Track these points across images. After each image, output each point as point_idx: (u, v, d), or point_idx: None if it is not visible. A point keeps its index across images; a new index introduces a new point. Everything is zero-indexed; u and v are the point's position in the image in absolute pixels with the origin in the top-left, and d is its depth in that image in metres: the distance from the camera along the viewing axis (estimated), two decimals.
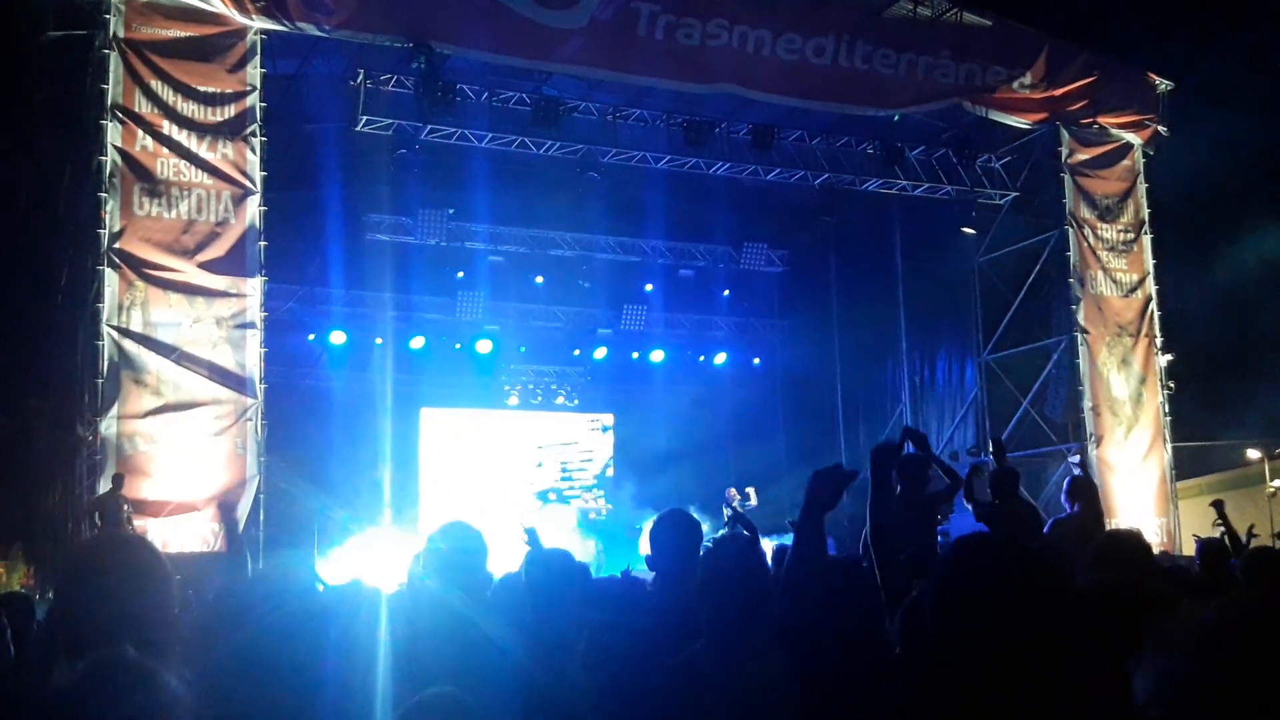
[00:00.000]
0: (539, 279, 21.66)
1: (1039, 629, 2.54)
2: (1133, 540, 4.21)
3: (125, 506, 12.23)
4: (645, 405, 21.82)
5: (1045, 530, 7.95)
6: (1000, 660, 2.55)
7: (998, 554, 2.77)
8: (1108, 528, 16.29)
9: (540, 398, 22.67)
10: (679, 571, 4.08)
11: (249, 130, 13.71)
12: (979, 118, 17.76)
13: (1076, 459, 17.59)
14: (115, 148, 13.00)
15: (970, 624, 2.62)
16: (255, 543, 13.01)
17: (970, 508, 8.36)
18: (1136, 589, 3.20)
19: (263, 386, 13.50)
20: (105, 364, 12.66)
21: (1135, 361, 18.09)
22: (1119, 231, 18.45)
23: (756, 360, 23.76)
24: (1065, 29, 18.17)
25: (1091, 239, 18.17)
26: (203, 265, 13.27)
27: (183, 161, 13.32)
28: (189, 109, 13.44)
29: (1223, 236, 18.32)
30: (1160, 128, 18.46)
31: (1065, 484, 8.73)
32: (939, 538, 7.55)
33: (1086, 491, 8.33)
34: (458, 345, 21.41)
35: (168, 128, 13.29)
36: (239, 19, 13.61)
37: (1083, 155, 18.36)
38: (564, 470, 22.00)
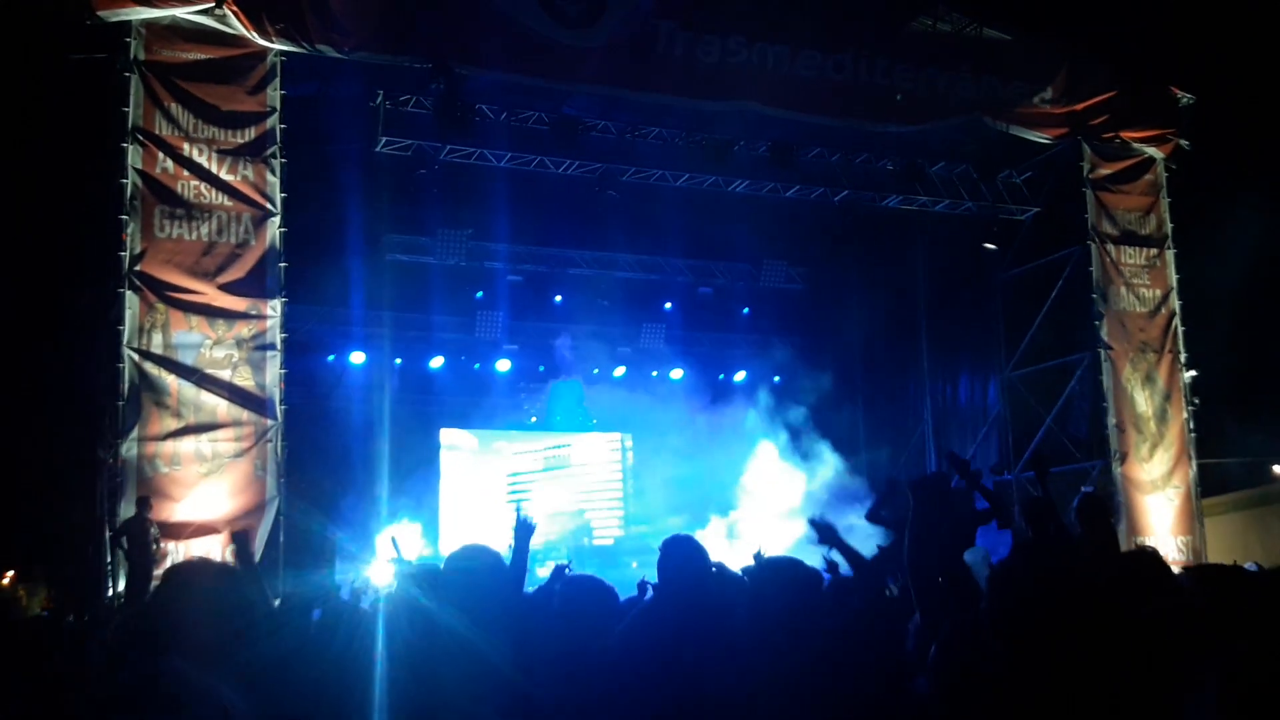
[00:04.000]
0: (558, 298, 21.63)
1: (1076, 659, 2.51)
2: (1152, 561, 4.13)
3: (153, 530, 12.23)
4: (665, 424, 21.71)
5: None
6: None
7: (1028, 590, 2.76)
8: (1133, 545, 16.18)
9: (559, 417, 22.60)
10: (682, 594, 4.20)
11: (269, 152, 13.75)
12: (1000, 133, 17.66)
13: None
14: (136, 170, 13.05)
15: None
16: (275, 564, 12.98)
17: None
18: (1175, 621, 3.13)
19: (283, 408, 13.49)
20: (126, 386, 12.68)
21: (1159, 378, 17.95)
22: (1141, 247, 18.32)
23: (777, 378, 23.65)
24: (1085, 43, 18.09)
25: (1114, 254, 18.06)
26: (223, 287, 13.29)
27: (203, 183, 13.36)
28: (209, 131, 13.49)
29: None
30: (1182, 141, 18.35)
31: (1074, 502, 8.53)
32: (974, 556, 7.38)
33: (1093, 510, 8.12)
34: (477, 365, 21.38)
35: (188, 150, 13.34)
36: (259, 41, 13.67)
37: (1104, 170, 18.26)
38: (583, 490, 21.86)
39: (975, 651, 3.25)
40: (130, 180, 13.02)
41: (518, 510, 5.09)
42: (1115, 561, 5.95)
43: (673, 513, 20.64)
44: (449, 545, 19.37)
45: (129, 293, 12.85)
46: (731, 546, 17.97)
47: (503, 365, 21.42)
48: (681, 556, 4.35)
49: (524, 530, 4.99)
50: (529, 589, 5.91)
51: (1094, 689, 2.70)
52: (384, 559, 18.46)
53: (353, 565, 17.21)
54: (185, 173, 13.30)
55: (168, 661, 2.06)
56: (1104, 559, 5.96)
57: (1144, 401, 17.83)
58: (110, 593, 12.30)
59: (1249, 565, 8.65)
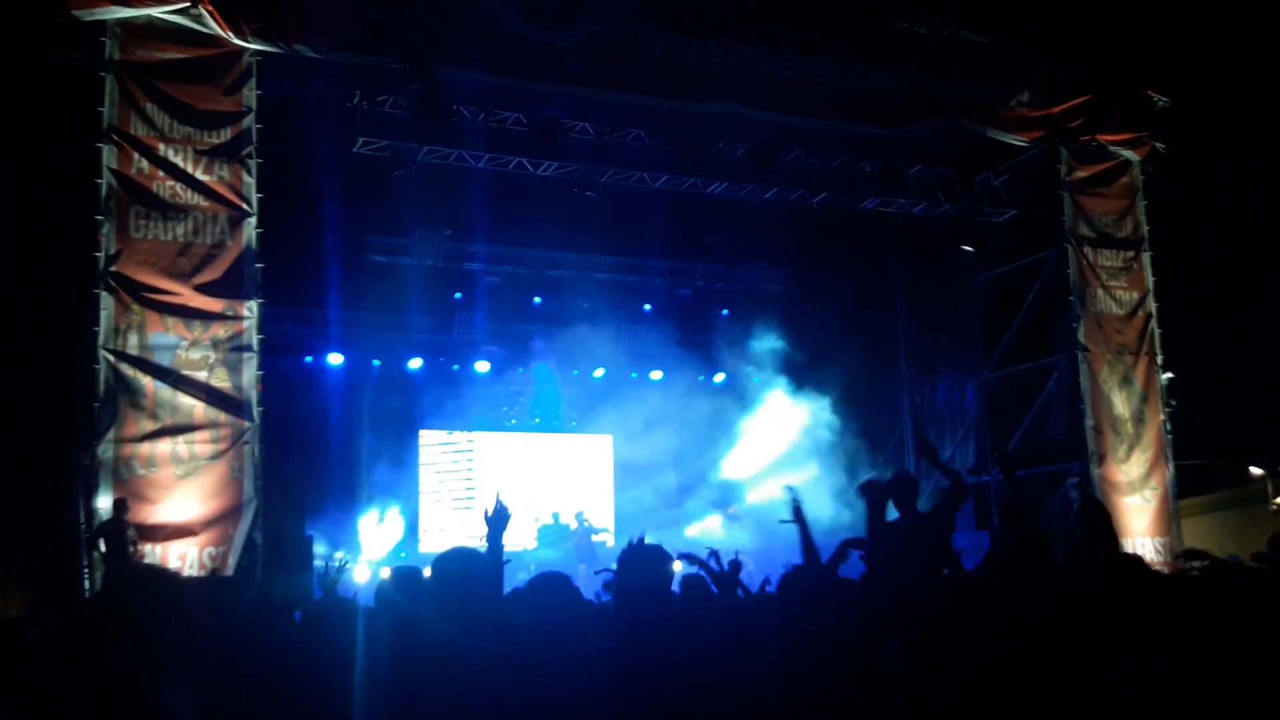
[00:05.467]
0: (537, 299, 21.59)
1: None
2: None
3: (130, 532, 12.17)
4: (645, 425, 21.71)
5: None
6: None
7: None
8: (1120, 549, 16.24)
9: (539, 418, 22.58)
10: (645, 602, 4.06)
11: (245, 152, 13.70)
12: (977, 136, 17.71)
13: (1075, 480, 17.48)
14: (111, 170, 12.98)
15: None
16: (252, 566, 12.92)
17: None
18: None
19: (260, 410, 13.42)
20: (102, 387, 12.61)
21: (1136, 380, 18.04)
22: (1118, 249, 18.41)
23: (756, 379, 23.66)
24: (1062, 47, 18.16)
25: (1091, 257, 18.14)
26: (199, 288, 13.23)
27: (179, 184, 13.30)
28: (185, 131, 13.43)
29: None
30: (1158, 144, 18.45)
31: (1075, 507, 8.52)
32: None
33: (1096, 516, 8.12)
34: (456, 366, 21.33)
35: (164, 150, 13.28)
36: (234, 41, 13.61)
37: (1081, 173, 18.35)
38: (564, 491, 21.81)
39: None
40: (105, 180, 12.96)
41: (497, 500, 4.73)
42: (1107, 565, 5.97)
43: (654, 512, 20.66)
44: (428, 546, 19.40)
45: (104, 294, 12.79)
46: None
47: (482, 366, 21.37)
48: (639, 569, 4.18)
49: (499, 520, 4.68)
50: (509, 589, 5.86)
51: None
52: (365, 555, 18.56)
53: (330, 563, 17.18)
54: (161, 173, 13.24)
55: (119, 665, 2.03)
56: (1101, 562, 5.96)
57: (1121, 403, 17.91)
58: (87, 594, 12.22)
59: (1229, 558, 8.71)
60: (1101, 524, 6.59)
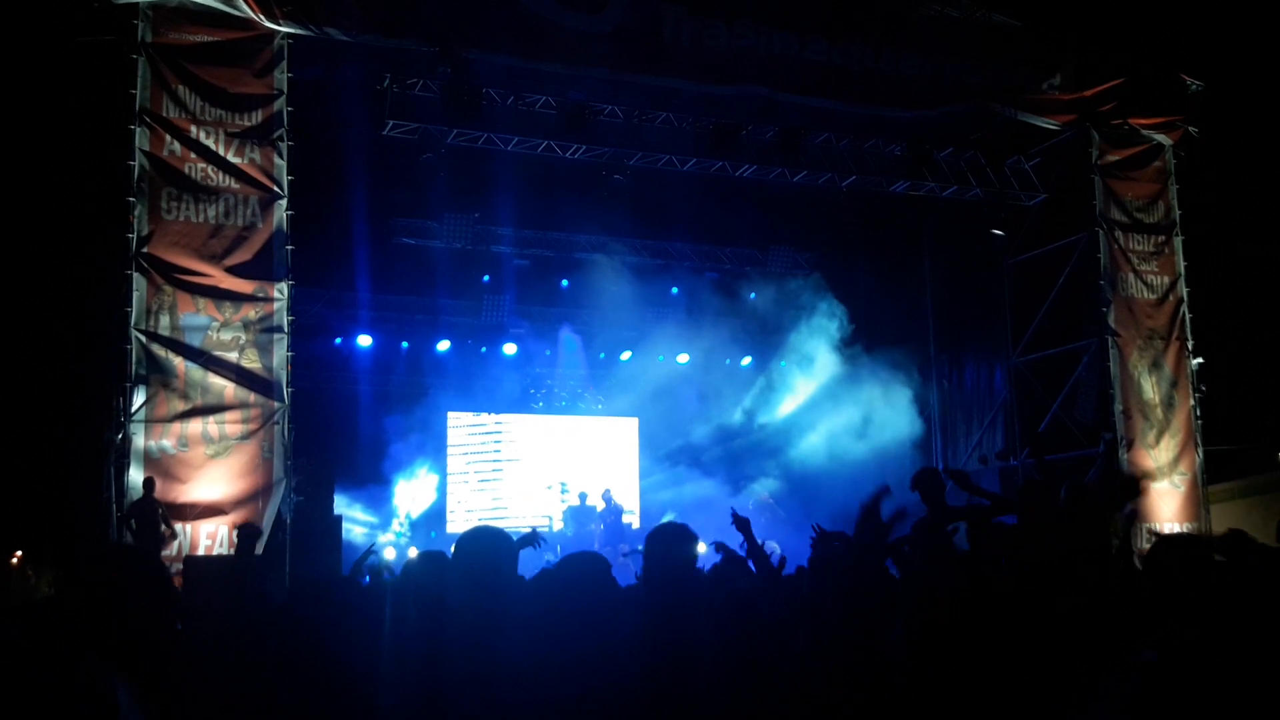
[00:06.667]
0: (564, 282, 21.62)
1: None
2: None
3: (160, 511, 12.29)
4: (671, 408, 21.74)
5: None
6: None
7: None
8: (1141, 530, 16.19)
9: (565, 401, 22.63)
10: (672, 583, 4.13)
11: (276, 135, 13.76)
12: (1008, 119, 17.62)
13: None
14: (143, 152, 13.06)
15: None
16: (282, 547, 13.03)
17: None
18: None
19: (290, 390, 13.52)
20: (133, 367, 12.72)
21: (1166, 365, 17.93)
22: (1150, 234, 18.28)
23: (783, 363, 23.64)
24: (1095, 30, 18.03)
25: (1122, 241, 18.02)
26: (230, 269, 13.32)
27: (210, 166, 13.38)
28: (217, 114, 13.50)
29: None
30: (1191, 129, 18.30)
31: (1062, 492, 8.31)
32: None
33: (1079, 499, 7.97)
34: (483, 348, 21.41)
35: (196, 132, 13.36)
36: (266, 24, 13.67)
37: (1113, 157, 18.21)
38: (590, 473, 21.88)
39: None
40: (138, 162, 13.04)
41: (533, 533, 4.90)
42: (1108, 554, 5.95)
43: (683, 495, 20.70)
44: (455, 526, 19.53)
45: (136, 275, 12.89)
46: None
47: (509, 348, 21.45)
48: (664, 549, 4.26)
49: (528, 541, 4.82)
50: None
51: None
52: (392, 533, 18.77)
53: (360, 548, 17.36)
54: (192, 155, 13.33)
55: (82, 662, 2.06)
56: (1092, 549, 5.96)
57: (1151, 388, 17.81)
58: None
59: None
60: (1085, 507, 6.57)
